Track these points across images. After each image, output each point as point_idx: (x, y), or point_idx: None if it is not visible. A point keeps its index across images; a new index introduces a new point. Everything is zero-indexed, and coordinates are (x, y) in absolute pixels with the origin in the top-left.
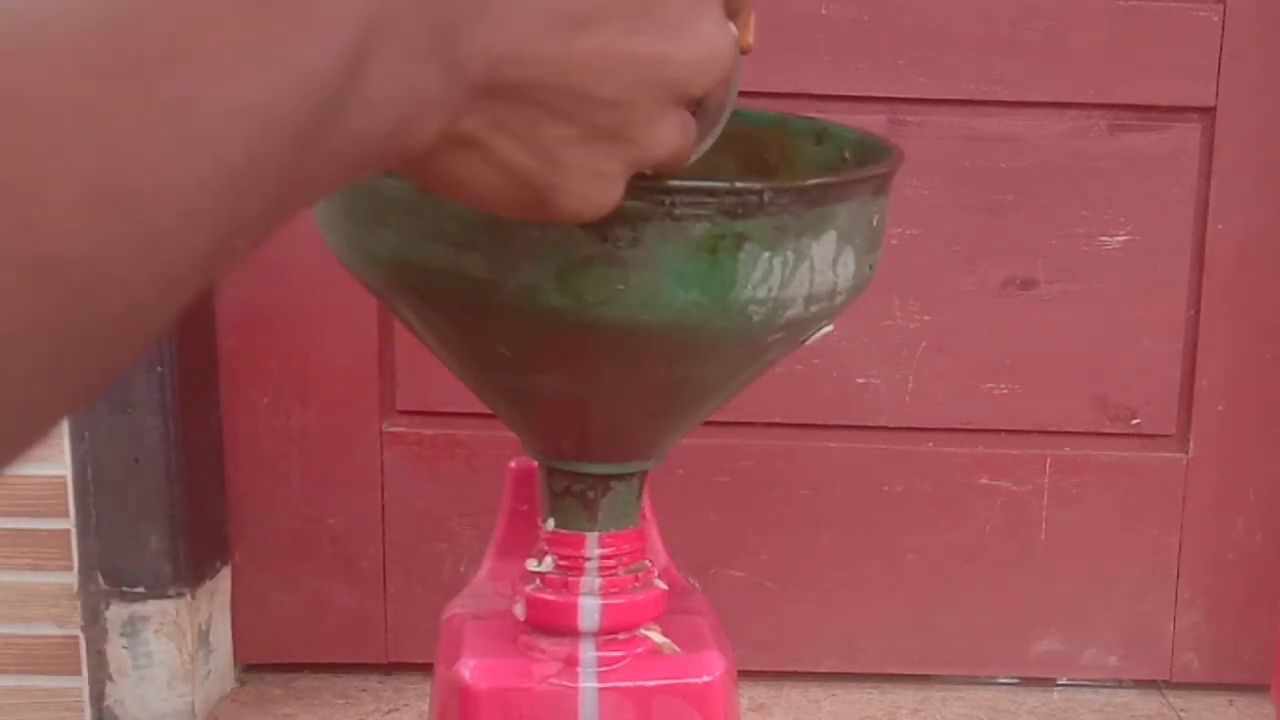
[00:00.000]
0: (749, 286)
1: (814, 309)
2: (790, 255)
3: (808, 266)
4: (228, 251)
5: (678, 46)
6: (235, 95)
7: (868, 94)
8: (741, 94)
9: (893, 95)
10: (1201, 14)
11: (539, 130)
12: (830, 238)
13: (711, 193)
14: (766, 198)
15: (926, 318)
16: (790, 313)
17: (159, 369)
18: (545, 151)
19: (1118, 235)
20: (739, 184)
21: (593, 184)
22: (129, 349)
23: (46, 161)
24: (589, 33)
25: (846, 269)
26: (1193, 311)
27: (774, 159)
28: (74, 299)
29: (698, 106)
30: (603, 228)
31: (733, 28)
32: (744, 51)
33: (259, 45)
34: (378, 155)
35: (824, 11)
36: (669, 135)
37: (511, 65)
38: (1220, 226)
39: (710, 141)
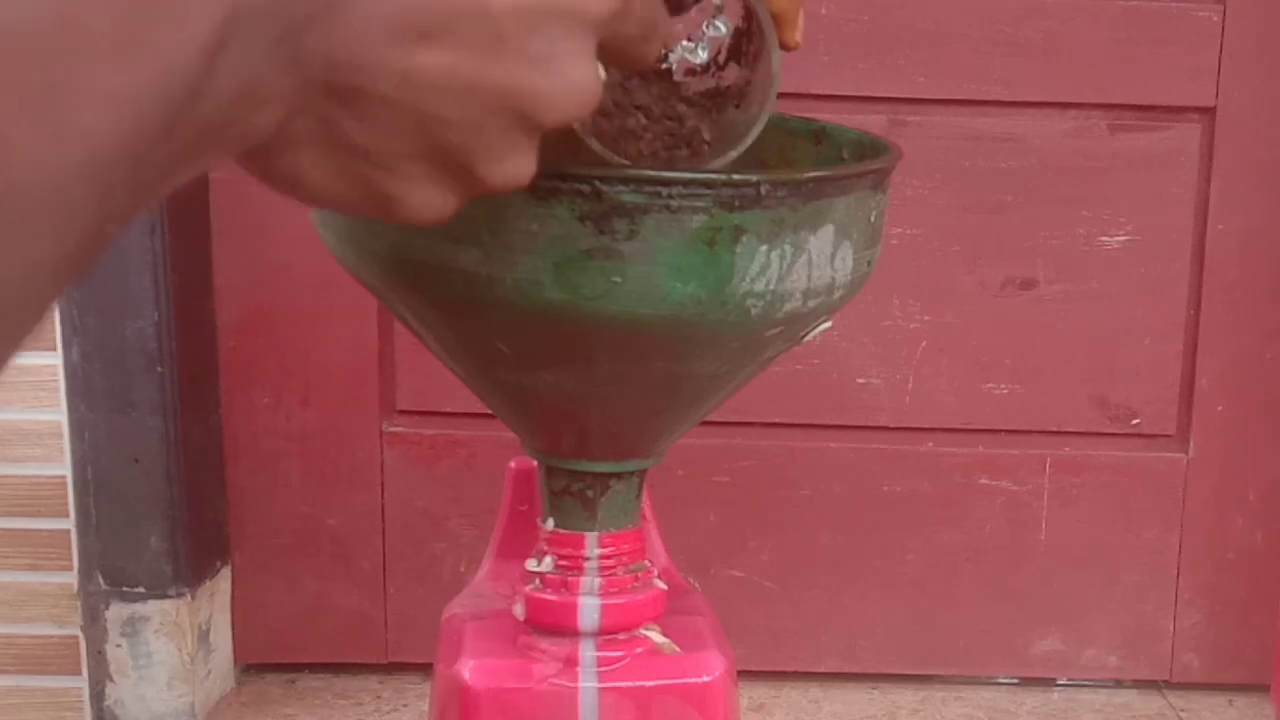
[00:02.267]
0: (746, 280)
1: (812, 304)
2: (788, 249)
3: (805, 260)
4: (99, 240)
5: (534, 80)
6: (108, 86)
7: (868, 94)
8: None
9: (893, 95)
10: (1201, 14)
11: (379, 141)
12: (828, 232)
13: (708, 185)
14: (763, 190)
15: (926, 318)
16: (788, 307)
17: (159, 369)
18: (383, 162)
19: (1118, 235)
20: (736, 176)
21: (430, 197)
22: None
23: None
24: (435, 50)
25: (845, 264)
26: (1193, 311)
27: (773, 160)
28: None
29: (724, 119)
30: (600, 221)
31: (601, 70)
32: (791, 48)
33: (128, 37)
34: (216, 143)
35: (824, 11)
36: (514, 166)
37: (351, 71)
38: (1220, 226)
39: (735, 154)
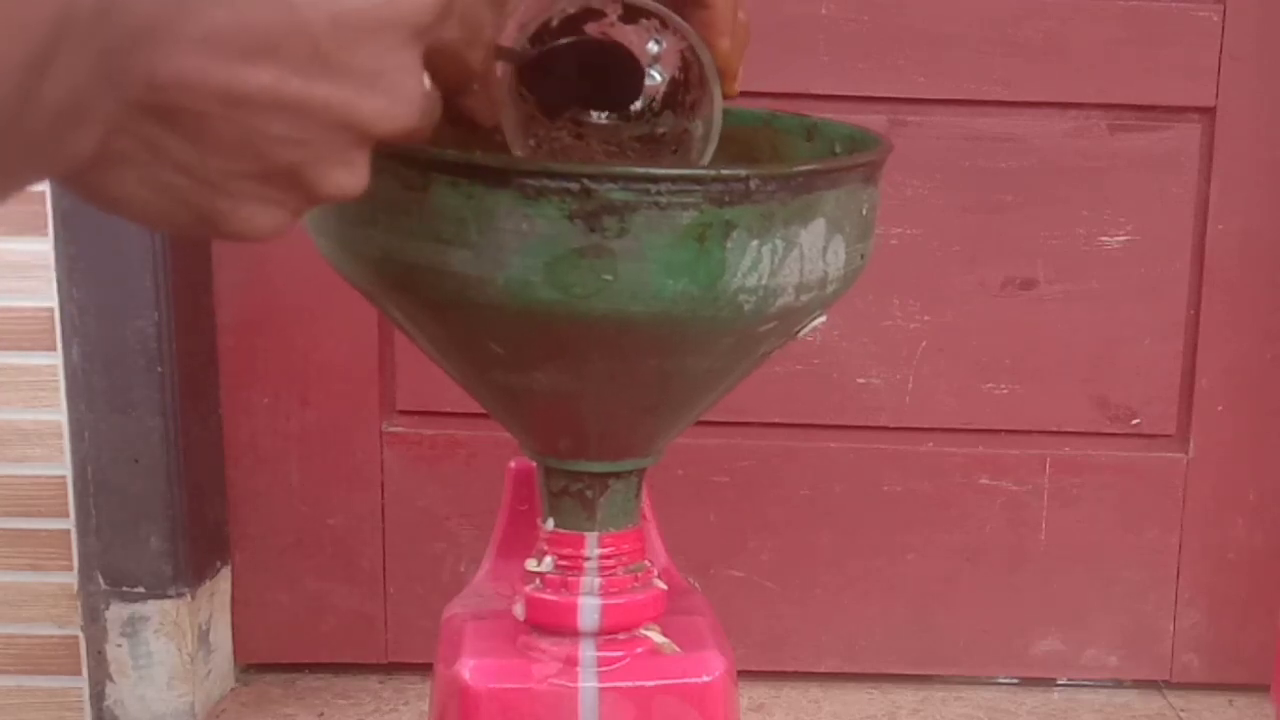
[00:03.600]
0: (738, 275)
1: (805, 298)
2: (779, 243)
3: (797, 255)
4: None
5: (361, 96)
6: None
7: (868, 94)
8: (742, 93)
9: (893, 95)
10: (1201, 14)
11: (204, 160)
12: (819, 226)
13: (698, 180)
14: (753, 185)
15: (926, 318)
16: (781, 302)
17: (159, 369)
18: (208, 179)
19: (1118, 235)
20: (725, 171)
21: (260, 212)
22: None
23: None
24: (258, 68)
25: (837, 258)
26: (1193, 311)
27: (765, 156)
28: None
29: (679, 145)
30: (590, 219)
31: (426, 81)
32: (731, 97)
33: None
34: (37, 160)
35: (824, 11)
36: (345, 177)
37: (173, 91)
38: (1220, 226)
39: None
